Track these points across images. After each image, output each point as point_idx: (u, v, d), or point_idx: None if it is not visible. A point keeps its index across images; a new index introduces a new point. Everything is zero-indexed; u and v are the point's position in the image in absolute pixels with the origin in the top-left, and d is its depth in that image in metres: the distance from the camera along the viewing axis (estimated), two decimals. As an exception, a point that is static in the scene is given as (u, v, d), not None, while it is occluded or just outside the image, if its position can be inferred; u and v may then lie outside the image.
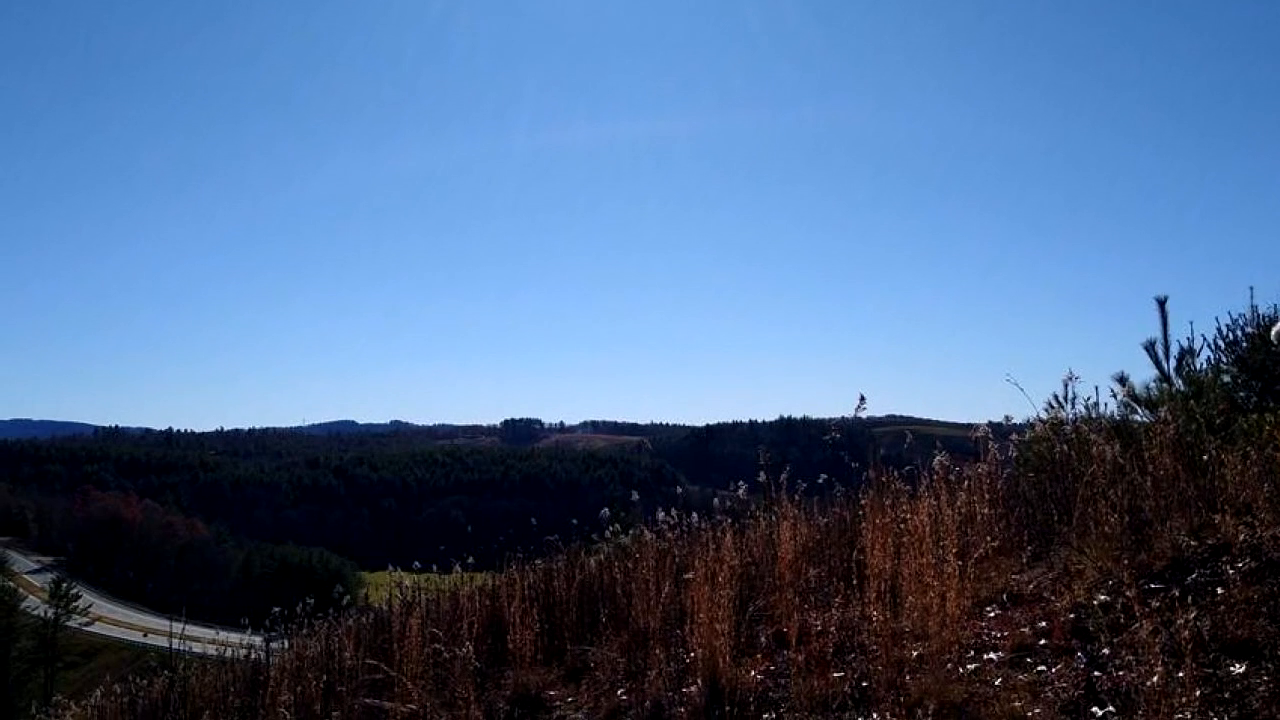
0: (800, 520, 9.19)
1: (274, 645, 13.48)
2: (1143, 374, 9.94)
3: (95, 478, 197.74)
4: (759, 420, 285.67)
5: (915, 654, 6.52)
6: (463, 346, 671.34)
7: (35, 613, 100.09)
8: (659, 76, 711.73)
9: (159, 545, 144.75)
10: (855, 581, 7.20)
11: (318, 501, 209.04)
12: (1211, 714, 4.80)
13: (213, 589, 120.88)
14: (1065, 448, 8.90)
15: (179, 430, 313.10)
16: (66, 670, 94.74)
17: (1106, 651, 5.86)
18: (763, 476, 9.34)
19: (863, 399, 8.03)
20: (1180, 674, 4.80)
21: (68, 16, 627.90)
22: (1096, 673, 5.62)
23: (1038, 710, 5.43)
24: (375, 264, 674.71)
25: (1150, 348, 9.86)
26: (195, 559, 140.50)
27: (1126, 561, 6.81)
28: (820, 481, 10.03)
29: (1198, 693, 4.83)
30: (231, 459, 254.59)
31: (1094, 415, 9.53)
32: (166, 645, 24.67)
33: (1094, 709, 5.30)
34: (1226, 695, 4.98)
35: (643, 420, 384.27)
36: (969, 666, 6.21)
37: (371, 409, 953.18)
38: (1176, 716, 4.67)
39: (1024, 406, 11.88)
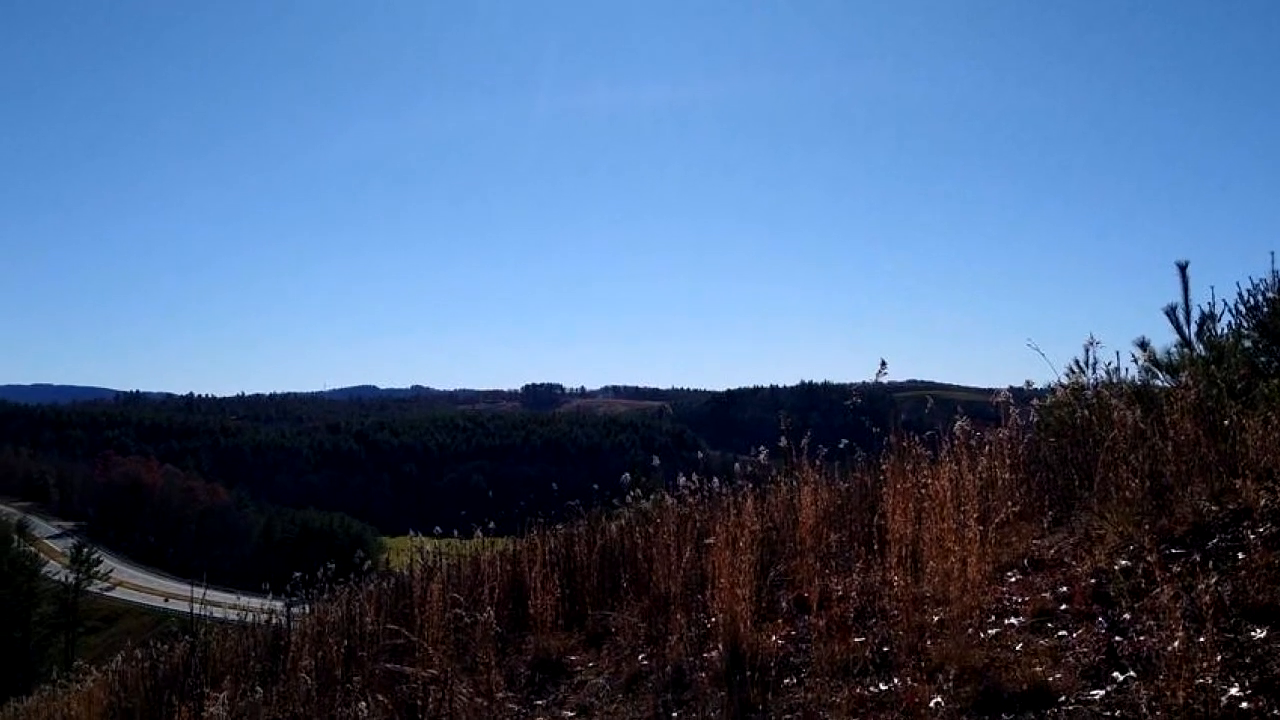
0: (821, 485, 9.19)
1: (295, 610, 13.61)
2: (1164, 339, 9.90)
3: (116, 443, 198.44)
4: (780, 385, 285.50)
5: (936, 619, 6.53)
6: (484, 311, 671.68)
7: (56, 578, 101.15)
8: (680, 41, 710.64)
9: (180, 510, 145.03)
10: (876, 546, 7.18)
11: (339, 466, 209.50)
12: (1232, 678, 4.79)
13: (234, 554, 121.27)
14: (1086, 413, 8.88)
15: (200, 395, 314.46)
16: (87, 635, 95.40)
17: (1127, 616, 5.85)
18: (784, 441, 9.32)
19: (884, 364, 8.00)
20: (1201, 639, 4.78)
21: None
22: (1117, 637, 5.61)
23: (1059, 675, 5.43)
24: (396, 229, 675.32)
25: (1171, 313, 9.81)
26: (216, 524, 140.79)
27: (1147, 526, 6.80)
28: (841, 446, 10.00)
29: (1219, 657, 4.82)
30: (252, 424, 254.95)
31: (1115, 380, 9.48)
32: (187, 610, 24.75)
33: (1115, 673, 5.30)
34: (1247, 660, 4.97)
35: (664, 385, 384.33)
36: (990, 631, 6.22)
37: (392, 374, 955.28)
38: (1198, 681, 4.66)
39: (1045, 371, 11.82)
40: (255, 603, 15.97)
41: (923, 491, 7.01)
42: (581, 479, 13.07)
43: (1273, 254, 9.33)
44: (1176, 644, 4.90)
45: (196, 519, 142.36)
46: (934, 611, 6.61)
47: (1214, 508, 6.79)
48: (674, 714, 6.59)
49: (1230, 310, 9.60)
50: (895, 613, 6.79)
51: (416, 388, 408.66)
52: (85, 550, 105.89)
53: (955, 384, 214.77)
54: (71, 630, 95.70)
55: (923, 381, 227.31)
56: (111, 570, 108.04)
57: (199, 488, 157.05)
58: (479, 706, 7.11)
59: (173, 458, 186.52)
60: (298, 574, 13.97)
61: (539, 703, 7.84)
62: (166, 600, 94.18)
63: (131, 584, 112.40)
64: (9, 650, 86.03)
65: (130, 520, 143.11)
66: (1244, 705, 4.64)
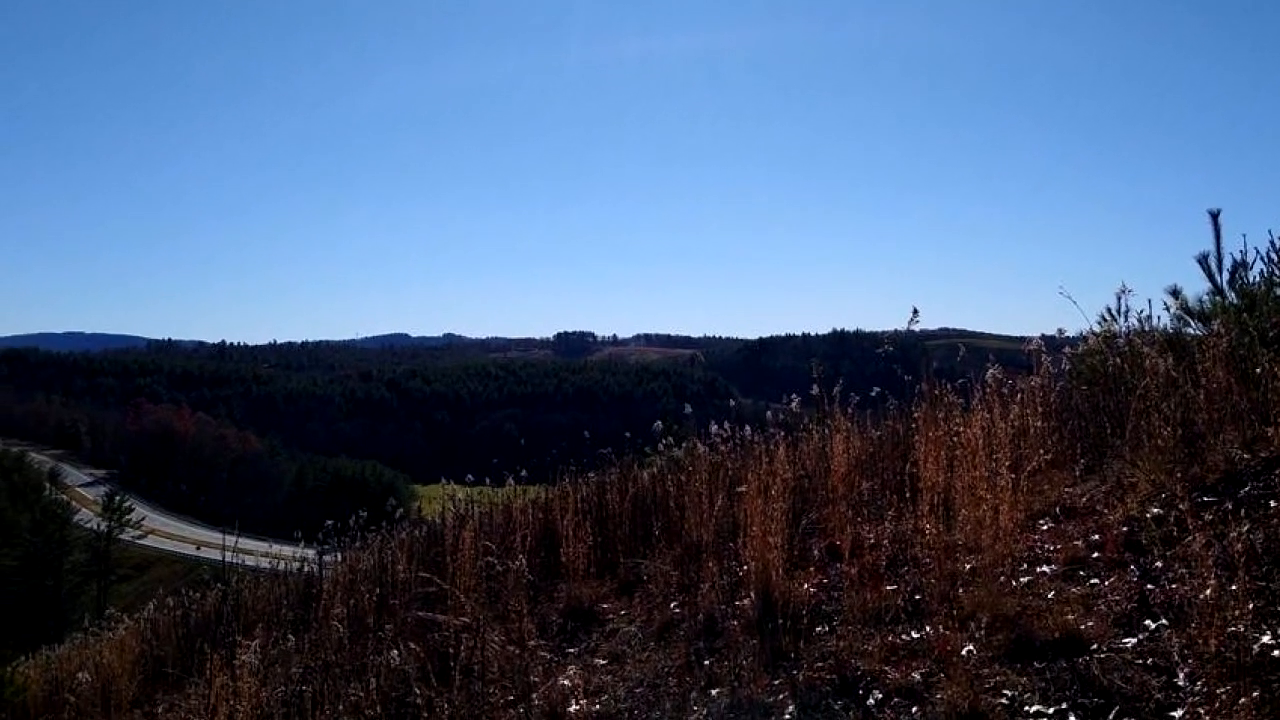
0: (853, 433, 9.20)
1: (327, 558, 13.70)
2: (1196, 287, 9.84)
3: (148, 391, 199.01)
4: (812, 333, 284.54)
5: (968, 567, 6.54)
6: (516, 260, 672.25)
7: (88, 526, 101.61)
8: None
9: (212, 458, 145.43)
10: (908, 495, 7.17)
11: (371, 415, 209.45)
12: (1264, 626, 4.80)
13: (265, 502, 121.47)
14: (1118, 361, 8.86)
15: (232, 343, 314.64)
16: (119, 583, 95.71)
17: (1159, 564, 5.85)
18: (815, 389, 9.32)
19: (916, 312, 7.98)
20: (1233, 586, 4.78)
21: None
22: (1149, 585, 5.63)
23: (1091, 623, 5.44)
24: (428, 177, 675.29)
25: (1203, 260, 9.77)
26: (248, 472, 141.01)
27: (1179, 474, 6.78)
28: (873, 394, 10.02)
29: (1250, 605, 4.82)
30: (284, 372, 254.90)
31: (1147, 328, 9.45)
32: (220, 558, 24.96)
33: (1147, 621, 5.30)
34: (1279, 608, 4.98)
35: (695, 333, 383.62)
36: (1022, 579, 6.23)
37: (424, 322, 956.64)
38: (1229, 629, 4.67)
39: (1077, 319, 11.79)
40: (287, 551, 16.13)
41: (955, 439, 7.02)
42: (613, 427, 13.10)
43: (1306, 201, 9.26)
44: (1208, 592, 4.90)
45: (228, 467, 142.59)
46: (966, 559, 6.63)
47: (1246, 455, 6.78)
48: (706, 662, 6.61)
49: (1262, 258, 9.55)
50: (927, 561, 6.81)
51: (449, 336, 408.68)
52: (117, 498, 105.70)
53: (987, 332, 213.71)
54: (103, 578, 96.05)
55: (955, 329, 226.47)
56: (143, 518, 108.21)
57: (231, 436, 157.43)
58: (511, 654, 7.15)
59: (204, 406, 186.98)
60: (330, 522, 14.06)
61: (571, 650, 7.89)
62: (198, 548, 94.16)
63: (163, 532, 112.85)
64: (41, 598, 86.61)
65: (162, 468, 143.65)
66: (1276, 653, 4.64)
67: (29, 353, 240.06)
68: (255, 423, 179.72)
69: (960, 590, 6.26)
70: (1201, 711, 4.48)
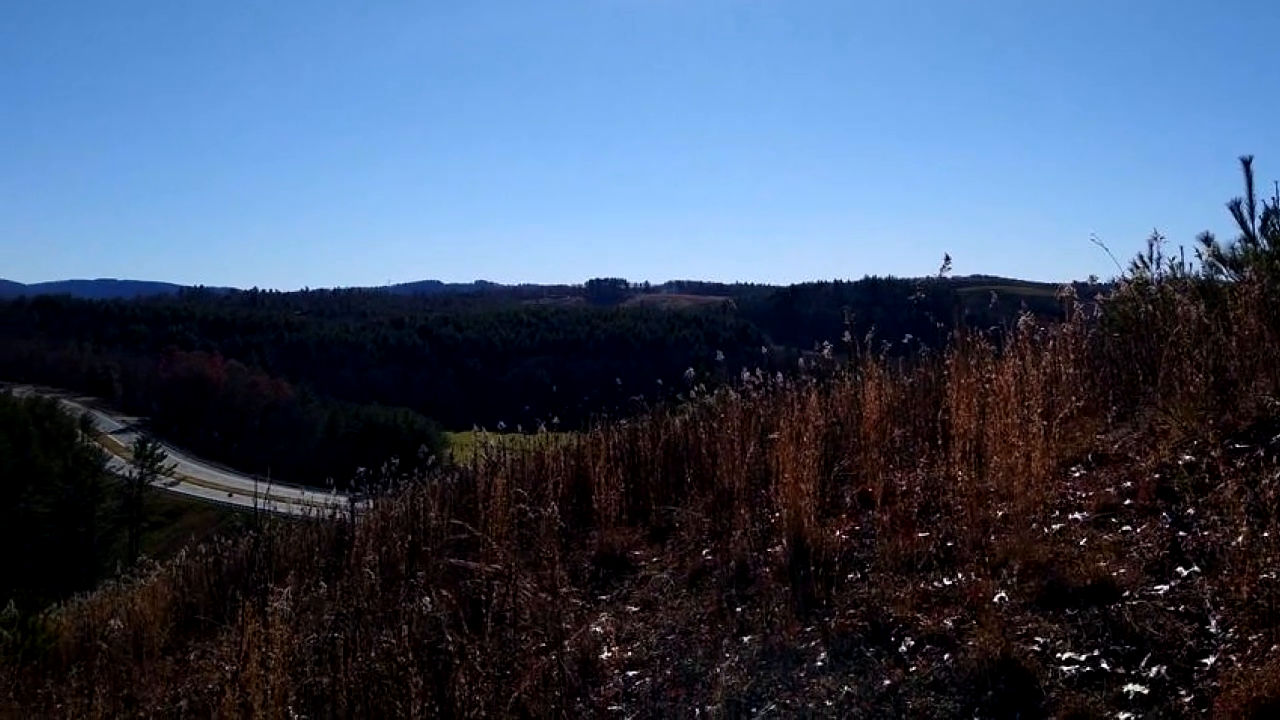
0: (885, 380, 9.21)
1: (359, 505, 13.77)
2: (1228, 234, 9.81)
3: (180, 338, 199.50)
4: (844, 280, 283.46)
5: (1000, 514, 6.56)
6: (548, 207, 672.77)
7: (120, 473, 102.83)
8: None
9: (244, 405, 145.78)
10: (939, 442, 7.19)
11: (403, 362, 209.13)
12: (1297, 573, 4.81)
13: (297, 449, 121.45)
14: (1150, 308, 8.84)
15: (264, 290, 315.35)
16: (151, 531, 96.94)
17: (1191, 511, 5.85)
18: (848, 336, 9.32)
19: (948, 259, 8.00)
20: (1265, 534, 4.81)
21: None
22: (1181, 533, 5.64)
23: (1123, 570, 5.45)
24: (460, 125, 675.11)
25: (1235, 208, 9.73)
26: (280, 419, 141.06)
27: (1211, 421, 6.79)
28: (905, 341, 10.06)
29: (1283, 552, 4.83)
30: (316, 319, 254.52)
31: (1179, 275, 9.43)
32: (251, 505, 25.13)
33: (1179, 568, 5.32)
34: (1312, 555, 4.98)
35: (728, 280, 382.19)
36: (1054, 526, 6.25)
37: (456, 269, 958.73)
38: (1261, 576, 4.68)
39: (1109, 266, 11.75)
40: (319, 498, 16.42)
41: (986, 386, 7.01)
42: (645, 374, 13.17)
43: (1339, 149, 9.21)
44: (1240, 539, 4.92)
45: (260, 414, 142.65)
46: (998, 506, 6.64)
47: (1277, 402, 6.78)
48: (738, 609, 6.65)
49: (1294, 206, 9.53)
50: (959, 508, 6.83)
51: (480, 283, 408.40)
52: (149, 445, 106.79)
53: (1019, 279, 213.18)
54: (135, 525, 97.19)
55: (987, 276, 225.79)
56: (175, 465, 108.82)
57: (263, 383, 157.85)
58: (543, 601, 7.15)
59: (236, 353, 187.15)
60: (361, 469, 14.18)
61: (603, 597, 7.96)
62: (230, 495, 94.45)
63: (195, 479, 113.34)
64: (74, 545, 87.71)
65: (194, 415, 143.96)
66: (1308, 600, 4.63)
67: (61, 300, 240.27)
68: (287, 370, 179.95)
69: (992, 537, 6.28)
70: (1233, 658, 4.50)
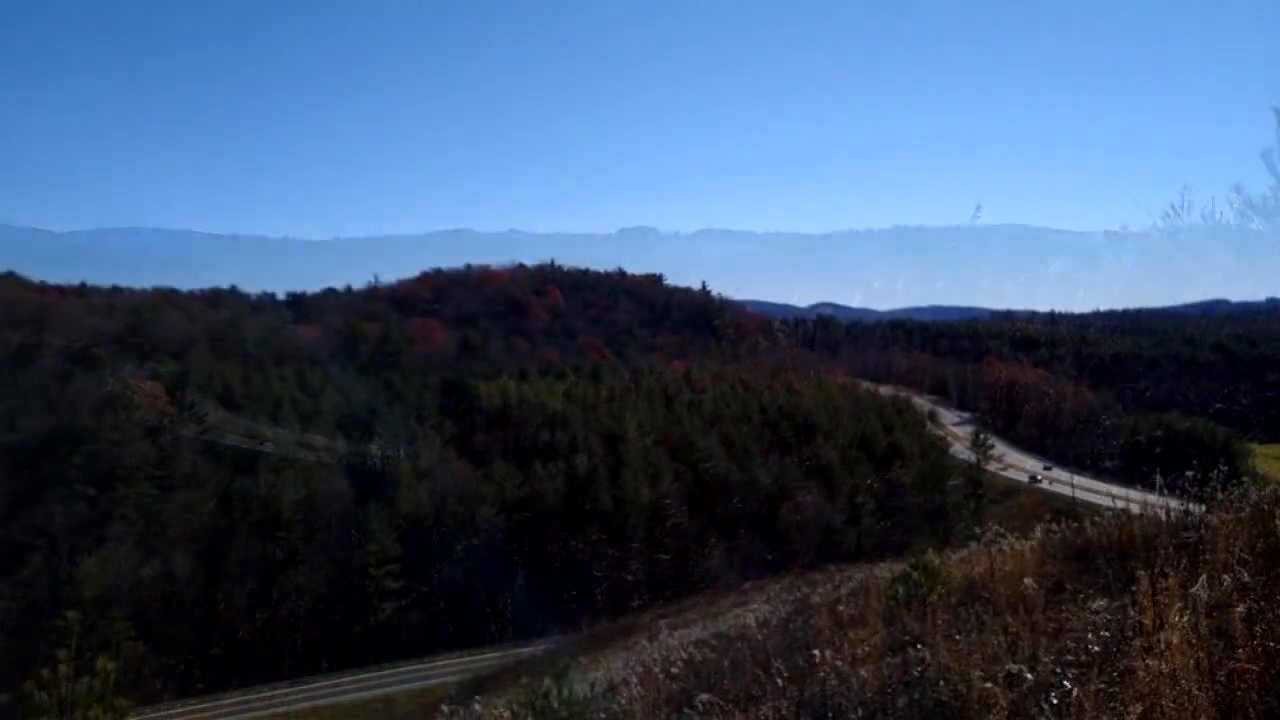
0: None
1: (1188, 506, 13.27)
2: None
3: (996, 351, 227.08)
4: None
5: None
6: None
7: (961, 456, 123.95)
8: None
9: (1052, 408, 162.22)
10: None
11: (1194, 374, 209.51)
12: None
13: (1101, 450, 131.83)
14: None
15: (1059, 312, 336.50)
16: (990, 505, 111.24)
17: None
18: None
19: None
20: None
21: None
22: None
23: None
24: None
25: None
26: (1083, 422, 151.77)
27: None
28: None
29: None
30: (1110, 335, 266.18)
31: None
32: (1068, 495, 43.45)
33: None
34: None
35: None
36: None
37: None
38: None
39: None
40: (1133, 494, 18.26)
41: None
42: None
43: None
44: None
45: (1067, 416, 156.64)
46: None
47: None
48: None
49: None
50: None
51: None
52: (981, 435, 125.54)
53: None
54: (978, 499, 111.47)
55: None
56: (1003, 454, 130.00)
57: (1066, 389, 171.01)
58: None
59: (1041, 364, 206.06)
60: (1158, 477, 14.80)
61: None
62: (1039, 479, 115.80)
63: (1019, 466, 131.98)
64: (929, 509, 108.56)
65: (1012, 413, 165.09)
66: None
67: (906, 322, 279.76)
68: (1086, 379, 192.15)
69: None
70: None
